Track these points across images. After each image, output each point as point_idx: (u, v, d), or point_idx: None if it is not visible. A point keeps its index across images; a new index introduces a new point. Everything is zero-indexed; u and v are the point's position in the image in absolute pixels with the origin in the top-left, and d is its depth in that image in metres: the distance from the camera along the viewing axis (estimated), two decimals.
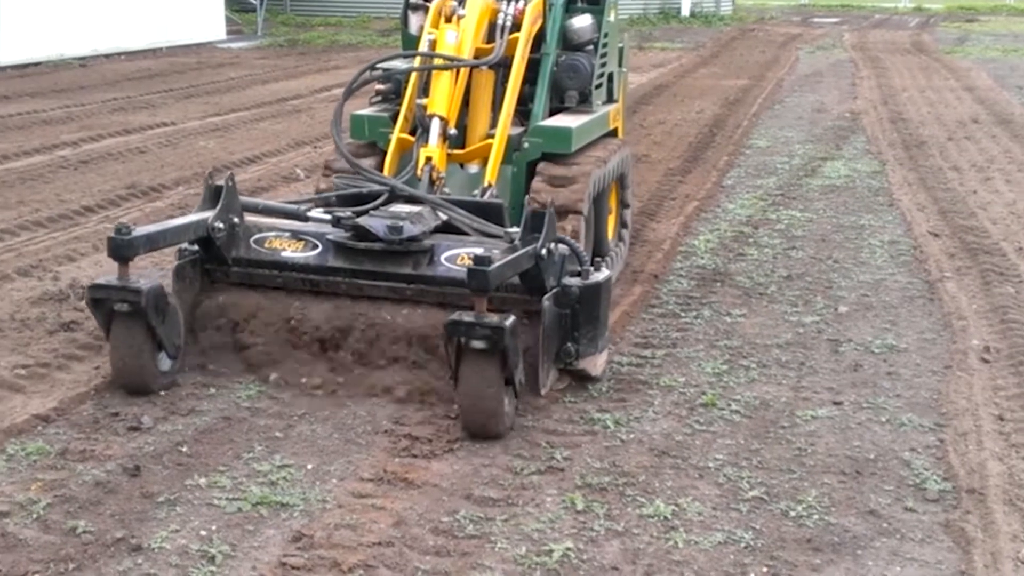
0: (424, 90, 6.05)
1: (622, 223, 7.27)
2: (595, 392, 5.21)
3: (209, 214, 5.22)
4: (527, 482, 4.35)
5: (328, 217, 5.33)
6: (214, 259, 5.35)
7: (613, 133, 7.11)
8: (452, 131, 5.80)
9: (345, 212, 5.27)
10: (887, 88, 16.18)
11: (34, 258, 7.09)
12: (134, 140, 11.24)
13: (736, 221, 8.52)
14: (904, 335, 6.09)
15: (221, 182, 5.36)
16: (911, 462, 4.59)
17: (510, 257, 4.70)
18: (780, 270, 7.24)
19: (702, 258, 7.50)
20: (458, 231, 5.32)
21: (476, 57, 6.06)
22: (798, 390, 5.32)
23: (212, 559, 3.73)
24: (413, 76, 6.16)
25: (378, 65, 6.38)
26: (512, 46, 6.18)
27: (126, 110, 13.16)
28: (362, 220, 5.19)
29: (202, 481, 4.27)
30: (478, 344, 4.45)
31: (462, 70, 5.96)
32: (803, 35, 25.38)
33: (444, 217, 5.32)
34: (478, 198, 5.67)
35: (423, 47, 6.09)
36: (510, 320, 4.51)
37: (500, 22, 6.22)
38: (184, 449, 4.54)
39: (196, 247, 5.34)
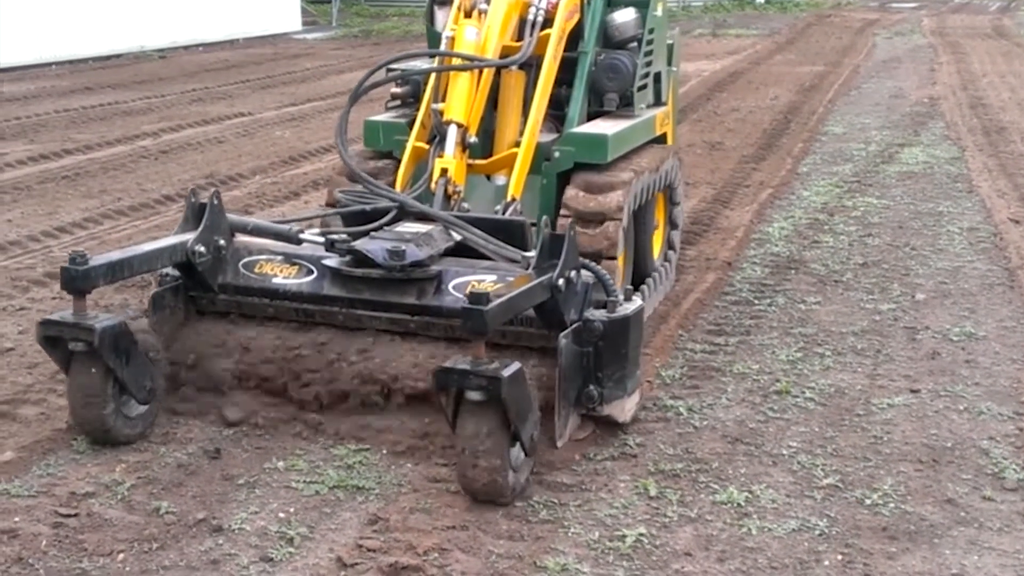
0: (441, 94, 5.41)
1: (669, 244, 6.54)
2: (668, 379, 5.21)
3: (189, 236, 4.68)
4: (600, 468, 4.37)
5: (322, 240, 4.76)
6: (199, 285, 4.80)
7: (661, 140, 6.44)
8: (472, 139, 5.22)
9: (340, 234, 4.74)
10: (967, 73, 15.90)
11: (116, 246, 7.23)
12: (212, 130, 11.42)
13: (811, 208, 8.44)
14: (983, 323, 6.00)
15: (205, 199, 4.79)
16: (989, 451, 4.53)
17: (515, 292, 4.09)
18: (856, 257, 7.17)
19: (776, 245, 7.45)
20: (475, 253, 4.73)
21: (503, 56, 5.49)
22: (874, 378, 5.27)
23: (291, 540, 3.80)
24: (431, 79, 5.56)
25: (391, 66, 5.83)
26: (543, 44, 5.57)
27: (204, 101, 13.37)
28: (360, 243, 4.62)
29: (280, 464, 4.35)
30: (474, 396, 3.86)
31: (486, 71, 5.37)
32: (880, 20, 25.01)
33: (457, 237, 4.75)
34: (498, 215, 5.08)
35: (442, 46, 5.53)
36: (511, 368, 3.86)
37: (531, 17, 5.60)
38: (262, 433, 4.61)
39: (178, 273, 4.81)
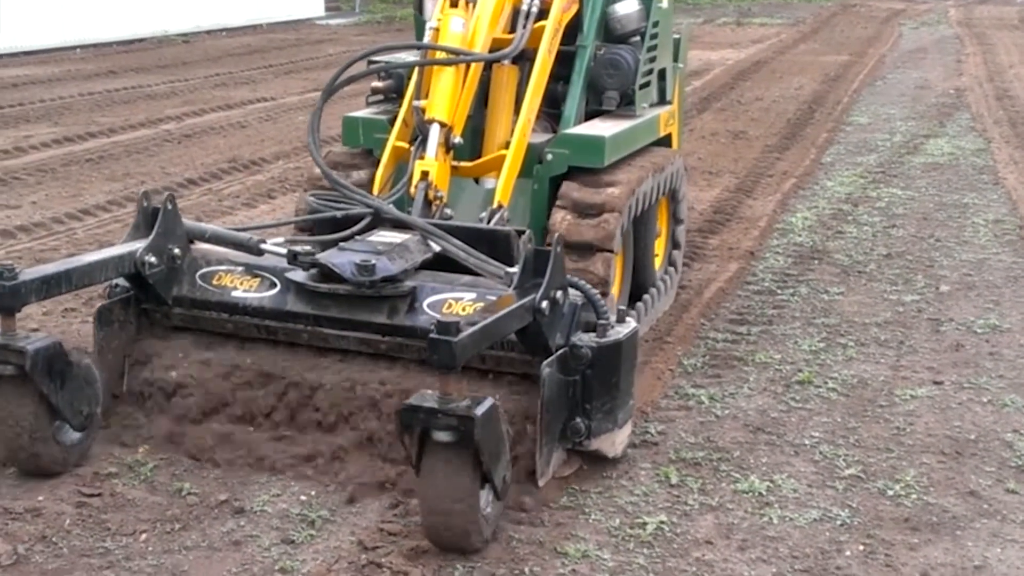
0: (424, 90, 4.96)
1: (674, 244, 6.13)
2: (689, 368, 5.20)
3: (139, 245, 4.24)
4: (621, 455, 4.36)
5: (283, 251, 4.30)
6: (152, 298, 4.39)
7: (666, 141, 5.98)
8: (456, 139, 4.80)
9: (305, 245, 4.35)
10: (993, 65, 15.78)
11: None
12: (235, 115, 11.44)
13: (835, 199, 8.40)
14: (1008, 315, 5.97)
15: (158, 204, 4.35)
16: (1013, 443, 4.51)
17: (490, 319, 3.63)
18: (880, 248, 7.13)
19: (799, 235, 7.42)
20: (458, 265, 4.31)
21: (493, 50, 5.09)
22: (897, 369, 5.25)
23: (312, 523, 3.81)
24: (414, 73, 5.13)
25: (371, 58, 5.39)
26: (538, 36, 5.17)
27: (227, 85, 13.40)
28: (325, 256, 4.21)
29: (300, 451, 4.35)
30: (442, 436, 3.44)
31: (474, 66, 4.95)
32: (906, 10, 24.84)
33: (436, 248, 4.34)
34: (481, 224, 4.64)
35: (425, 38, 5.11)
36: (484, 406, 3.45)
37: (525, 7, 5.20)
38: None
39: (128, 284, 4.40)
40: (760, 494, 4.08)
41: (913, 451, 4.44)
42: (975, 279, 6.56)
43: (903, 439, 4.54)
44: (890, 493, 4.10)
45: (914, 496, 4.09)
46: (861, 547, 3.75)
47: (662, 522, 3.87)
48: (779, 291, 6.31)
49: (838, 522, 3.91)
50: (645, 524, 3.85)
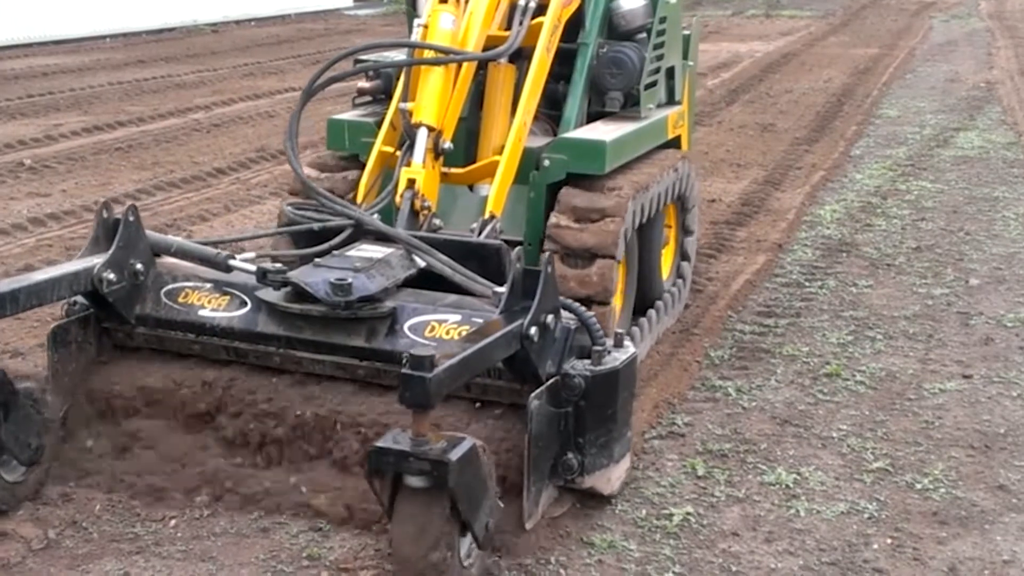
0: (412, 92, 4.60)
1: (683, 255, 5.79)
2: (716, 360, 5.19)
3: (97, 260, 3.88)
4: (648, 447, 4.36)
5: (253, 268, 3.97)
6: (113, 317, 4.03)
7: (675, 144, 5.64)
8: (446, 144, 4.47)
9: (276, 262, 4.01)
10: None
11: (168, 217, 7.31)
12: (263, 104, 11.47)
13: (864, 191, 8.36)
14: None
15: (119, 215, 4.00)
16: None
17: (470, 351, 3.30)
18: (909, 241, 7.09)
19: (828, 228, 7.38)
20: (445, 282, 3.99)
21: (488, 48, 4.77)
22: (926, 362, 5.22)
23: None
24: (401, 73, 4.80)
25: (358, 56, 5.13)
26: (536, 34, 4.84)
27: (256, 75, 13.44)
28: (298, 274, 3.88)
29: None
30: (415, 482, 3.15)
31: (465, 66, 4.63)
32: (937, 3, 24.63)
33: (421, 263, 4.04)
34: (471, 236, 4.31)
35: (413, 36, 4.77)
36: (462, 448, 3.15)
37: (522, 2, 4.87)
38: None
39: (88, 302, 4.04)
40: (787, 486, 4.07)
41: (942, 445, 4.41)
42: (1005, 273, 6.51)
43: (932, 433, 4.51)
44: (918, 487, 4.09)
45: (942, 490, 4.07)
46: (889, 540, 3.74)
47: (688, 513, 3.86)
48: (807, 284, 6.29)
49: (866, 515, 3.89)
50: (671, 515, 3.85)
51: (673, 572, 3.52)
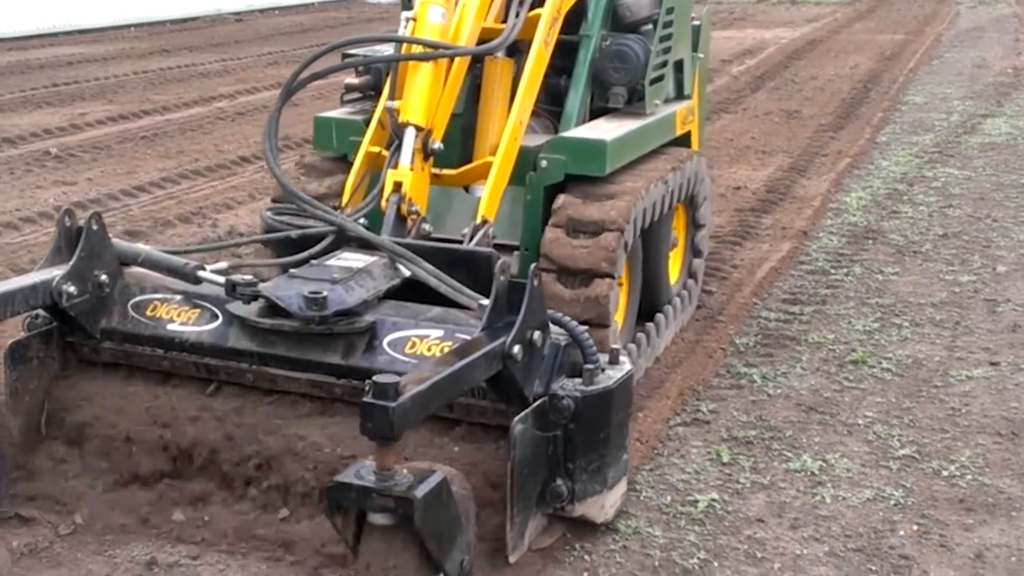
0: (399, 89, 4.33)
1: (694, 251, 5.50)
2: (741, 347, 5.17)
3: (57, 272, 3.63)
4: (672, 433, 4.35)
5: (222, 280, 3.72)
6: (77, 330, 3.79)
7: (684, 141, 5.34)
8: (436, 145, 4.23)
9: (245, 275, 3.74)
10: None
11: (194, 205, 7.34)
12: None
13: (890, 178, 8.31)
14: None
15: (81, 223, 3.74)
16: None
17: (443, 374, 3.03)
18: (936, 228, 7.04)
19: (854, 215, 7.34)
20: (434, 292, 3.71)
21: (483, 41, 4.52)
22: (953, 350, 5.18)
23: None
24: (397, 70, 4.43)
25: (345, 51, 4.84)
26: (534, 26, 4.59)
27: (280, 64, 13.46)
28: (270, 286, 3.64)
29: None
30: (378, 520, 2.92)
31: (457, 61, 4.38)
32: None
33: (406, 273, 3.79)
34: (460, 244, 4.04)
35: (400, 29, 4.53)
36: (429, 483, 2.90)
37: None
38: None
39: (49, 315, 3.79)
40: (813, 473, 4.05)
41: (968, 432, 4.39)
42: None
43: (958, 420, 4.49)
44: (945, 473, 4.06)
45: (969, 477, 4.04)
46: (915, 527, 3.72)
47: (713, 500, 3.85)
48: (833, 271, 6.26)
49: (892, 502, 3.87)
50: (696, 502, 3.84)
51: (698, 558, 3.52)
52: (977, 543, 3.63)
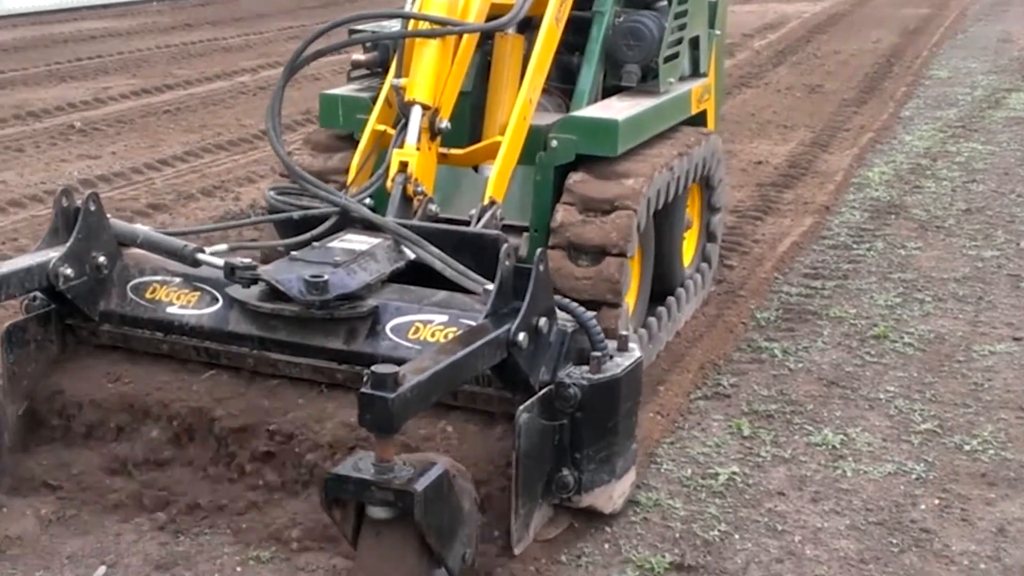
0: (405, 67, 4.25)
1: (708, 235, 5.41)
2: (763, 321, 5.17)
3: (54, 254, 3.55)
4: (693, 407, 4.36)
5: (221, 263, 3.61)
6: (76, 313, 3.72)
7: (700, 120, 5.24)
8: (443, 124, 4.14)
9: (244, 259, 3.65)
10: None
11: (216, 179, 7.37)
12: (309, 68, 11.44)
13: (913, 153, 8.27)
14: None
15: (79, 203, 3.65)
16: None
17: (444, 363, 2.95)
18: (959, 203, 7.01)
19: (876, 190, 7.32)
20: (437, 274, 3.61)
21: (492, 17, 4.40)
22: (975, 325, 5.17)
23: None
24: (403, 47, 4.33)
25: (351, 27, 4.80)
26: (544, 2, 4.46)
27: (301, 38, 13.40)
28: (270, 269, 3.58)
29: None
30: (378, 513, 2.85)
31: (465, 38, 4.27)
32: None
33: (411, 255, 3.70)
34: (466, 227, 3.93)
35: (407, 4, 4.47)
36: (430, 476, 2.83)
37: None
38: None
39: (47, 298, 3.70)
40: (834, 447, 4.06)
41: (991, 407, 4.38)
42: None
43: (981, 395, 4.48)
44: (967, 448, 4.07)
45: (991, 452, 4.04)
46: (936, 501, 3.72)
47: (734, 473, 3.87)
48: (855, 246, 6.25)
49: (913, 476, 3.88)
50: (717, 475, 3.86)
51: (719, 530, 3.53)
52: (999, 517, 3.64)
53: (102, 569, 3.24)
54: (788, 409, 4.35)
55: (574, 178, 4.30)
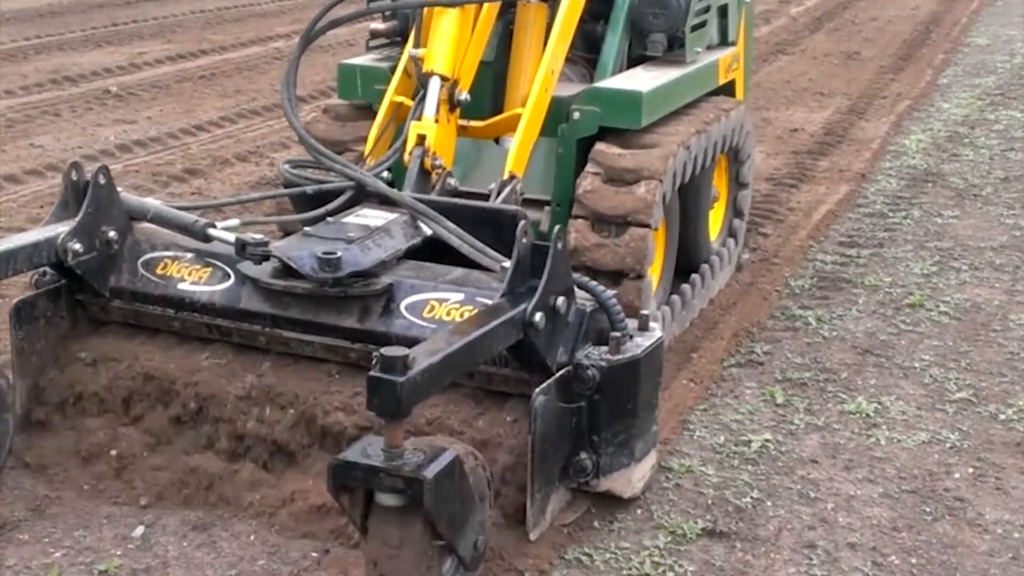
0: (424, 37, 4.15)
1: (735, 211, 5.31)
2: (797, 289, 5.16)
3: (62, 228, 3.48)
4: (727, 374, 4.36)
5: (232, 239, 3.50)
6: (86, 289, 3.64)
7: (728, 90, 5.13)
8: (463, 96, 4.02)
9: (255, 235, 3.55)
10: None
11: (252, 144, 7.40)
12: (343, 33, 11.43)
13: (951, 121, 8.19)
14: None
15: (88, 177, 3.56)
16: None
17: (456, 345, 2.87)
18: (997, 171, 6.95)
19: (913, 158, 7.26)
20: (454, 250, 3.52)
21: None
22: (1012, 294, 5.14)
23: None
24: (421, 16, 4.24)
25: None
26: None
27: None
28: (282, 245, 3.48)
29: None
30: (387, 500, 2.76)
31: (486, 6, 4.18)
32: None
33: (428, 231, 3.61)
34: (483, 202, 3.84)
35: None
36: (441, 462, 2.75)
37: None
38: None
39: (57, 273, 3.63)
40: (867, 415, 4.05)
41: None
42: None
43: (1016, 364, 4.46)
44: (1002, 417, 4.05)
45: None
46: (971, 470, 3.72)
47: (767, 440, 3.87)
48: (891, 214, 6.21)
49: (947, 445, 3.87)
50: (750, 442, 3.86)
51: (751, 497, 3.54)
52: None
53: (140, 529, 3.29)
54: (822, 377, 4.34)
55: (599, 147, 4.21)
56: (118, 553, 3.18)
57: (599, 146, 4.21)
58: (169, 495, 3.42)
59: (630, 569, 3.18)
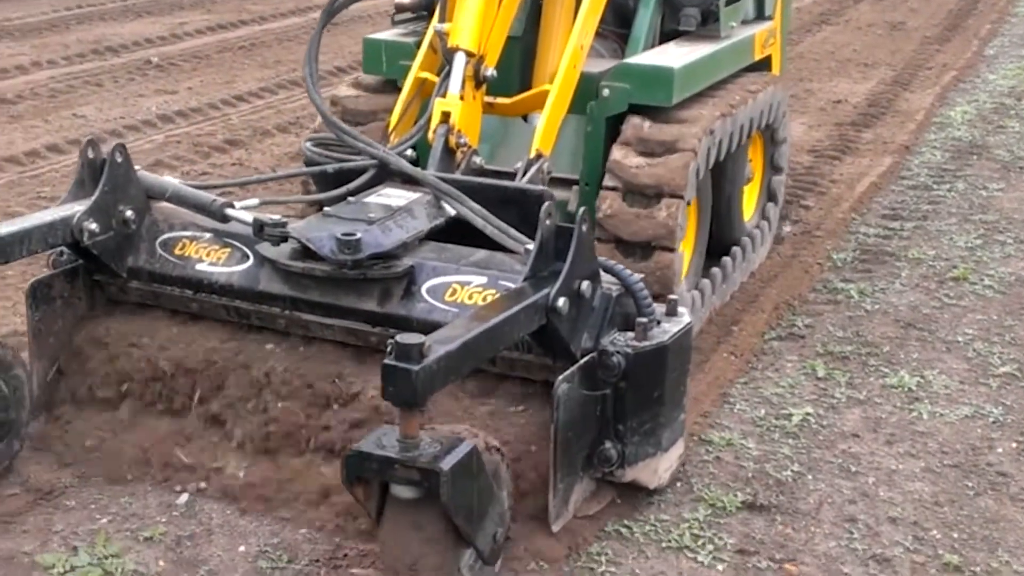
0: (449, 11, 4.08)
1: (769, 195, 5.20)
2: (839, 262, 5.12)
3: (79, 208, 3.38)
4: (767, 347, 4.34)
5: (250, 219, 3.41)
6: (103, 269, 3.55)
7: (764, 66, 5.02)
8: (489, 72, 3.91)
9: (273, 215, 3.46)
10: None
11: (291, 115, 7.41)
12: (383, 4, 11.36)
13: (997, 92, 8.09)
14: None
15: (105, 155, 3.47)
16: None
17: (475, 331, 2.79)
18: None
19: (958, 130, 7.17)
20: (478, 231, 3.41)
21: None
22: None
23: None
24: None
25: None
26: None
27: None
28: (300, 227, 3.39)
29: None
30: (402, 492, 2.71)
31: None
32: None
33: (452, 211, 3.51)
34: (508, 181, 3.70)
35: None
36: (458, 454, 2.68)
37: None
38: None
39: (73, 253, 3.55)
40: (910, 389, 4.02)
41: None
42: None
43: None
44: None
45: None
46: (1014, 445, 3.68)
47: (808, 414, 3.85)
48: (935, 186, 6.14)
49: (991, 419, 3.83)
50: (791, 416, 3.84)
51: (792, 471, 3.53)
52: None
53: (184, 496, 3.32)
54: (864, 351, 4.31)
55: (632, 120, 4.12)
56: (163, 520, 3.22)
57: (633, 119, 4.12)
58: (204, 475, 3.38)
59: (669, 542, 3.18)
